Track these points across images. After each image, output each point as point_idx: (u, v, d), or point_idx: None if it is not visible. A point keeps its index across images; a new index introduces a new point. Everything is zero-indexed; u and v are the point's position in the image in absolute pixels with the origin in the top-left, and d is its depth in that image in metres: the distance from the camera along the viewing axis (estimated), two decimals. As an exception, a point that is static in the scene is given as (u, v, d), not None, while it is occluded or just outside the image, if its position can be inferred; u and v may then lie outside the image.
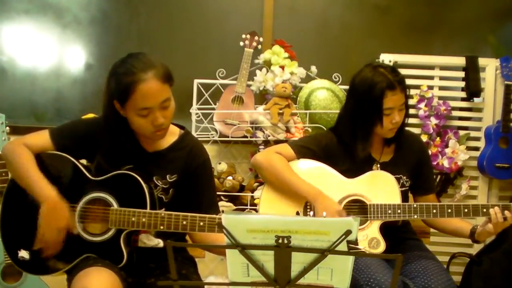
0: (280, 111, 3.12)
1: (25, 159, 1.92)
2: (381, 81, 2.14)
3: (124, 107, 1.87)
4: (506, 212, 2.10)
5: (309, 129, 3.17)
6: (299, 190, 2.19)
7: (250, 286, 1.42)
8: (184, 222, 1.88)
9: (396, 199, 2.19)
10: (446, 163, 3.22)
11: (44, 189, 1.87)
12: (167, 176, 1.99)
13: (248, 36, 3.30)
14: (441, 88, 3.35)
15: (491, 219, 2.10)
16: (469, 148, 3.29)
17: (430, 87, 3.29)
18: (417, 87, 3.27)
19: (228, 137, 3.17)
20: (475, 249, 3.20)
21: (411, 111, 2.73)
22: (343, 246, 1.31)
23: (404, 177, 2.29)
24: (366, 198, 2.21)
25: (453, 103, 3.29)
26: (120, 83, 1.84)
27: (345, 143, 2.27)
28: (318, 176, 2.24)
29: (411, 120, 2.71)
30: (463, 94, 3.34)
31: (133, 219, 1.87)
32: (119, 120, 1.91)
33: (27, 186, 1.90)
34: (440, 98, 3.29)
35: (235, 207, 3.08)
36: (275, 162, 2.24)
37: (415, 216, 2.18)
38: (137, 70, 1.82)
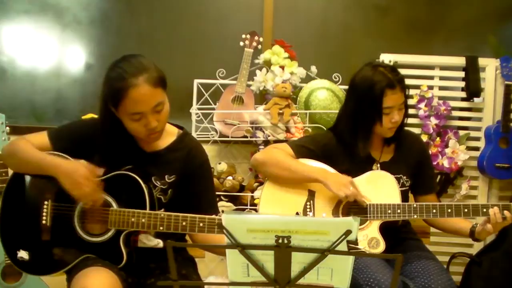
0: (280, 111, 3.12)
1: (26, 145, 1.94)
2: (381, 80, 2.14)
3: (117, 111, 1.87)
4: (505, 212, 2.10)
5: (309, 129, 3.17)
6: (306, 173, 2.19)
7: (250, 286, 1.42)
8: (184, 223, 1.87)
9: (396, 199, 2.19)
10: (446, 163, 3.22)
11: (50, 160, 1.89)
12: (166, 177, 1.99)
13: (248, 36, 3.30)
14: (441, 88, 3.35)
15: (490, 219, 2.10)
16: (469, 148, 3.29)
17: (430, 87, 3.29)
18: (417, 87, 3.27)
19: (228, 137, 3.17)
20: (475, 249, 3.20)
21: (411, 111, 2.73)
22: (343, 246, 1.31)
23: (404, 177, 2.29)
24: (365, 198, 2.20)
25: (453, 103, 3.29)
26: (111, 88, 1.83)
27: (344, 143, 2.27)
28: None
29: (411, 120, 2.72)
30: (463, 94, 3.34)
31: (132, 219, 1.87)
32: (115, 122, 1.91)
33: (34, 165, 1.90)
34: (440, 98, 3.28)
35: (235, 207, 3.08)
36: (276, 154, 2.24)
37: (415, 216, 2.18)
38: (127, 75, 1.80)
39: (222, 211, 2.67)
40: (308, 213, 2.22)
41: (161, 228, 1.87)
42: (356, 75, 2.25)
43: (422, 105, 3.24)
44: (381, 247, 2.14)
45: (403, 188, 2.26)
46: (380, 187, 2.21)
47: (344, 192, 2.12)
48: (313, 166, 2.22)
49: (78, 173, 1.85)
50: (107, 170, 1.94)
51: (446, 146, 3.24)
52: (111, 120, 1.91)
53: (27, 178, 1.98)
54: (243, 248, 1.32)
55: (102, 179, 1.93)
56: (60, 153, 1.95)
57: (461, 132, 3.30)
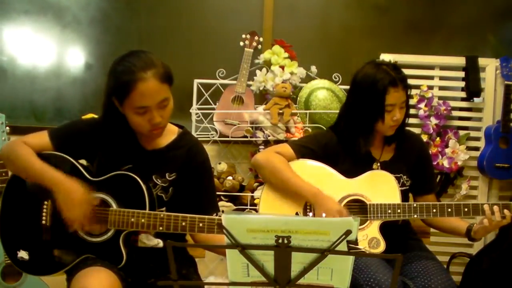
0: (280, 111, 3.12)
1: (26, 152, 1.92)
2: (384, 78, 2.15)
3: (122, 104, 1.87)
4: (505, 211, 2.10)
5: (309, 129, 3.17)
6: (299, 189, 2.19)
7: (250, 286, 1.42)
8: (184, 223, 1.88)
9: (396, 199, 2.19)
10: (446, 163, 3.22)
11: (51, 174, 1.87)
12: (166, 175, 1.99)
13: (248, 36, 3.30)
14: (441, 88, 3.35)
15: (486, 215, 2.09)
16: (469, 148, 3.29)
17: (430, 87, 3.29)
18: (417, 87, 3.26)
19: (228, 137, 3.17)
20: (475, 249, 3.20)
21: (411, 111, 2.73)
22: (343, 246, 1.31)
23: (405, 177, 2.29)
24: (366, 198, 2.20)
25: (453, 103, 3.29)
26: (118, 81, 1.83)
27: (345, 142, 2.27)
28: (318, 176, 2.24)
29: (411, 120, 2.71)
30: (463, 94, 3.34)
31: (132, 219, 1.87)
32: (118, 117, 1.91)
33: (33, 176, 1.89)
34: (440, 98, 3.29)
35: (235, 207, 3.08)
36: (275, 161, 2.24)
37: (415, 216, 2.18)
38: (136, 69, 1.81)
39: (222, 211, 2.67)
40: (308, 213, 2.22)
41: (160, 228, 1.87)
42: (358, 73, 2.25)
43: (422, 105, 3.24)
44: (382, 247, 2.14)
45: (403, 188, 2.26)
46: (380, 187, 2.21)
47: None
48: (308, 183, 2.19)
49: (76, 195, 1.84)
50: (107, 169, 1.94)
51: (446, 146, 3.24)
52: (113, 116, 1.91)
53: (27, 178, 1.98)
54: (243, 248, 1.32)
55: (102, 179, 1.93)
56: (61, 154, 1.96)
57: (461, 132, 3.30)
